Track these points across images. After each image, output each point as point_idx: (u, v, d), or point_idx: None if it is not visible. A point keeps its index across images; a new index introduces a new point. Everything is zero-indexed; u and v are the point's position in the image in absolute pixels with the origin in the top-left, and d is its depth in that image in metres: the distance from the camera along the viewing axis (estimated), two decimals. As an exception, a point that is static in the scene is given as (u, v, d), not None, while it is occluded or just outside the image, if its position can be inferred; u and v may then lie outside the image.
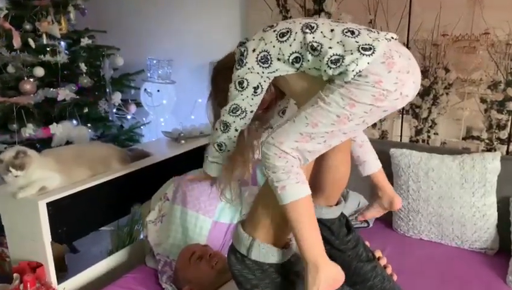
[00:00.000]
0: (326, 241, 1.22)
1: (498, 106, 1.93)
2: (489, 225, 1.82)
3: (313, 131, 1.01)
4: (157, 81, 2.70)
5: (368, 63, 0.96)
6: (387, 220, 2.09)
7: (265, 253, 1.09)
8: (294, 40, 1.03)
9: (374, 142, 2.13)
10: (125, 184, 1.95)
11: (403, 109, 2.15)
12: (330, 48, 0.99)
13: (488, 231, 1.82)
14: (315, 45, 1.01)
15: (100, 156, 1.93)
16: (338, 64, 0.98)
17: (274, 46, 1.06)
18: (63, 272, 1.94)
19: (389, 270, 1.31)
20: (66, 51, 2.56)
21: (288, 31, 1.05)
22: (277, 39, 1.05)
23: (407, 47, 2.07)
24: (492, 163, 1.81)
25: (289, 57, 1.04)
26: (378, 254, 1.35)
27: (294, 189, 1.01)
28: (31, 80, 2.27)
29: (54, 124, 2.29)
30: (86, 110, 2.49)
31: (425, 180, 1.89)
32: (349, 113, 0.98)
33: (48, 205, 1.63)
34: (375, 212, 1.35)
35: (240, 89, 1.11)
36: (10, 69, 2.24)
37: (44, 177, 1.69)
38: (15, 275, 1.61)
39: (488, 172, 1.80)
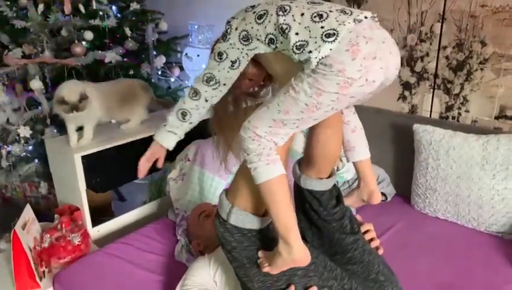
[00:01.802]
0: (314, 211, 1.29)
1: (536, 84, 1.80)
2: (509, 209, 1.75)
3: (285, 118, 1.05)
4: (198, 46, 2.81)
5: (331, 49, 0.97)
6: (406, 195, 2.08)
7: (243, 219, 1.18)
8: (269, 22, 1.07)
9: (402, 116, 2.15)
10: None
11: (434, 83, 2.07)
12: (297, 33, 1.02)
13: (507, 215, 1.75)
14: (284, 27, 1.04)
15: (126, 87, 2.15)
16: (302, 50, 1.01)
17: (253, 28, 1.11)
18: (110, 217, 2.21)
19: (374, 244, 1.35)
20: (119, 15, 2.75)
21: (265, 13, 1.09)
22: (255, 21, 1.10)
23: (443, 18, 1.97)
24: (519, 146, 1.72)
25: (265, 38, 1.09)
26: (367, 227, 1.39)
27: (265, 170, 1.07)
28: (82, 43, 2.49)
29: (101, 84, 2.51)
30: (131, 72, 2.69)
31: (445, 159, 1.84)
32: (316, 102, 1.01)
33: (83, 158, 1.85)
34: (352, 202, 1.37)
35: (219, 60, 1.16)
36: (63, 32, 2.46)
37: (90, 118, 1.92)
38: (56, 215, 1.86)
39: (512, 155, 1.72)
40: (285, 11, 1.06)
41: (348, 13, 1.02)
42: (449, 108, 2.06)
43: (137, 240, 1.81)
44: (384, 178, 2.12)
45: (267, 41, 1.09)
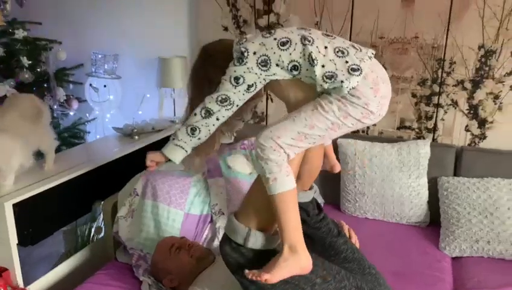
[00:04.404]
0: (303, 222, 1.37)
1: (426, 99, 2.25)
2: (422, 202, 2.12)
3: (309, 132, 1.16)
4: (103, 76, 2.64)
5: (358, 82, 1.13)
6: (335, 203, 2.32)
7: (262, 241, 1.20)
8: (295, 50, 1.16)
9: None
10: (86, 182, 1.93)
11: (346, 103, 2.39)
12: (323, 66, 1.14)
13: (421, 207, 2.13)
14: (313, 56, 1.14)
15: (29, 106, 1.80)
16: (332, 80, 1.13)
17: (275, 53, 1.16)
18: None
19: (353, 240, 1.52)
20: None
21: (288, 41, 1.17)
22: (278, 47, 1.16)
23: (350, 47, 2.31)
24: (424, 149, 2.11)
25: (288, 64, 1.16)
26: (345, 227, 1.55)
27: (285, 181, 1.14)
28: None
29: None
30: (27, 106, 2.37)
31: (369, 166, 2.14)
32: (341, 123, 1.16)
33: (14, 205, 1.57)
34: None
35: (235, 84, 1.19)
36: None
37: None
38: (-20, 281, 1.53)
39: (420, 157, 2.10)
40: (310, 41, 1.16)
41: (358, 49, 1.19)
42: (359, 123, 2.40)
43: (93, 290, 1.61)
44: (315, 190, 2.32)
45: (289, 68, 1.17)
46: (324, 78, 1.14)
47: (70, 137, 2.68)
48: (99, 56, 2.62)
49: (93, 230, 2.21)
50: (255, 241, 1.20)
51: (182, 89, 2.60)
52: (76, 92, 2.81)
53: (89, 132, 2.78)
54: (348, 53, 1.16)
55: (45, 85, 2.48)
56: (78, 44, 2.79)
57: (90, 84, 2.64)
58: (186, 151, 1.28)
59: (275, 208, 1.16)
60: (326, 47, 1.16)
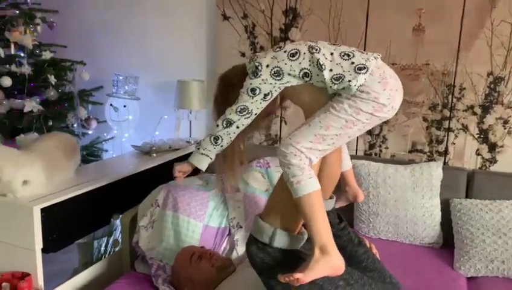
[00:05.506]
0: (324, 231, 1.42)
1: (437, 124, 2.32)
2: (435, 223, 2.15)
3: (325, 133, 1.22)
4: (123, 96, 2.74)
5: (365, 79, 1.21)
6: (349, 223, 2.34)
7: (287, 240, 1.25)
8: (304, 59, 1.26)
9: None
10: (107, 194, 1.97)
11: (359, 126, 2.47)
12: (331, 70, 1.23)
13: (435, 228, 2.15)
14: (321, 62, 1.24)
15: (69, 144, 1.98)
16: (340, 81, 1.22)
17: (286, 64, 1.27)
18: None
19: (374, 251, 1.55)
20: (24, 62, 2.52)
21: (297, 52, 1.27)
22: (288, 58, 1.27)
23: (363, 73, 2.41)
24: (436, 171, 2.17)
25: (299, 72, 1.26)
26: (366, 240, 1.59)
27: (308, 183, 1.19)
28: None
29: (22, 135, 2.23)
30: (50, 123, 2.46)
31: (383, 186, 2.19)
32: (355, 119, 1.22)
33: (42, 210, 1.62)
34: (341, 203, 1.63)
35: (252, 95, 1.30)
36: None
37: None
38: (4, 284, 1.55)
39: (433, 178, 2.15)
40: (317, 50, 1.26)
41: (365, 53, 1.28)
42: (371, 146, 2.47)
43: (113, 299, 1.62)
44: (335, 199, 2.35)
45: (301, 75, 1.26)
46: (333, 80, 1.23)
47: (88, 155, 2.75)
48: (121, 78, 2.73)
49: (110, 243, 2.23)
50: (281, 240, 1.24)
51: (198, 110, 2.69)
52: (95, 112, 2.90)
53: (106, 150, 2.84)
54: (353, 55, 1.25)
55: (66, 104, 2.56)
56: (99, 67, 2.91)
57: (111, 104, 2.73)
58: (211, 158, 1.39)
59: (302, 211, 1.20)
60: (332, 53, 1.26)
